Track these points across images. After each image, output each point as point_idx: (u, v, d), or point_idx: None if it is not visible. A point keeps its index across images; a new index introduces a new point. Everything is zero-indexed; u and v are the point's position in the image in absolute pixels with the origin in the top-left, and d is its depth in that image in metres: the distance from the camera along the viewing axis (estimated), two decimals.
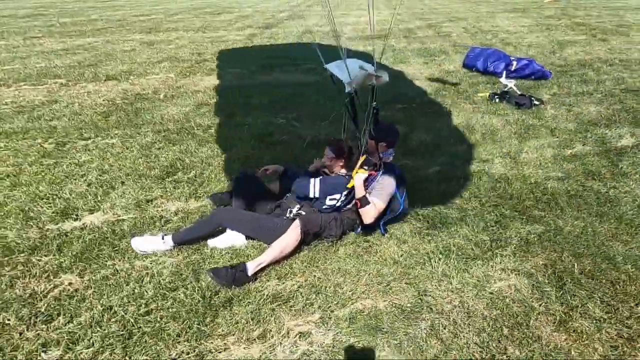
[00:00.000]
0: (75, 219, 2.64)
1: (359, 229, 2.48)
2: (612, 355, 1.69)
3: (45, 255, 2.28)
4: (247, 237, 2.39)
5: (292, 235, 2.21)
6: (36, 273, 2.13)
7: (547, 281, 2.11)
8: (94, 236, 2.45)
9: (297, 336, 1.78)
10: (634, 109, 4.67)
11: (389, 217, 2.47)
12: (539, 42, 8.94)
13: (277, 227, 2.30)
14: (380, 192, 2.39)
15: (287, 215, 2.43)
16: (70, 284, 2.06)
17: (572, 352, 1.70)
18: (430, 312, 1.92)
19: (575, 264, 2.22)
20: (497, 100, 5.08)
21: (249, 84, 5.88)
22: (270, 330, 1.81)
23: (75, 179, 3.14)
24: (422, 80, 6.04)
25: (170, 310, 1.90)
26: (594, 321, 1.85)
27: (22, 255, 2.28)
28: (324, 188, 2.45)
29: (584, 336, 1.77)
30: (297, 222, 2.22)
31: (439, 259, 2.26)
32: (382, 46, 7.41)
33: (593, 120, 4.40)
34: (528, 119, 4.43)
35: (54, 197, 2.87)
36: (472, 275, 2.15)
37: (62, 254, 2.29)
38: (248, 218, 2.40)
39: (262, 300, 1.98)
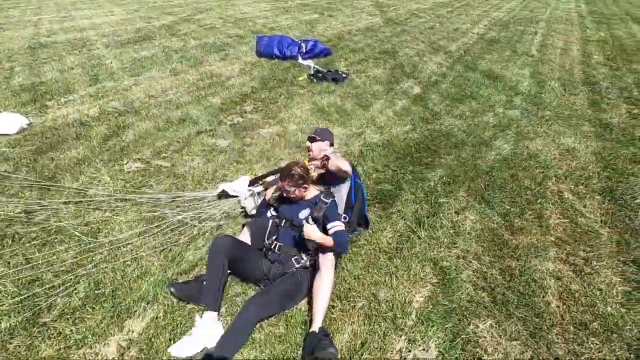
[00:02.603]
0: None
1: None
2: None
3: None
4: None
5: (331, 272, 2.02)
6: None
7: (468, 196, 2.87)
8: None
9: None
10: (402, 65, 6.36)
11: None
12: (292, 23, 10.25)
13: (300, 282, 2.07)
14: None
15: (297, 266, 2.15)
16: None
17: None
18: None
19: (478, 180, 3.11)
20: (315, 80, 5.72)
21: None
22: None
23: None
24: (243, 77, 5.94)
25: None
26: None
27: None
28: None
29: None
30: (330, 258, 2.03)
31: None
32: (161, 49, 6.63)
33: (386, 80, 5.74)
34: (352, 90, 5.29)
35: None
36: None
37: None
38: (267, 299, 1.99)
39: None
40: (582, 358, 1.82)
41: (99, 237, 2.55)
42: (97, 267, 2.30)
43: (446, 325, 1.97)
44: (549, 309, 2.08)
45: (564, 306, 2.10)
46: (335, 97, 5.08)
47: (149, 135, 3.99)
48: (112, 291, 2.14)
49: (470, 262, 2.38)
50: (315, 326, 1.87)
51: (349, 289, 2.18)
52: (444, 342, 1.89)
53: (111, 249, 2.44)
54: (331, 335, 1.87)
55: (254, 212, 2.69)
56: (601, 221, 2.76)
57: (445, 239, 2.57)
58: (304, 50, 6.84)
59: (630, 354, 1.85)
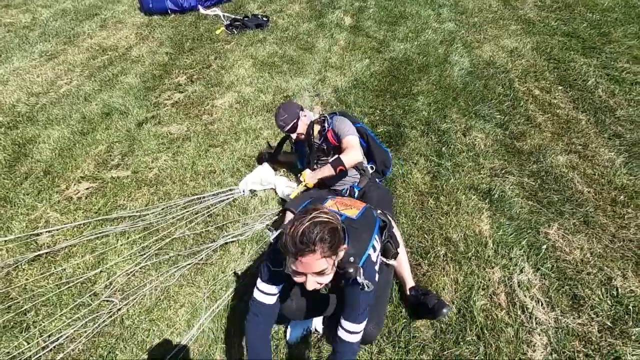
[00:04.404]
0: None
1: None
2: None
3: None
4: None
5: (397, 229, 1.89)
6: None
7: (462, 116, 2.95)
8: None
9: None
10: None
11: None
12: None
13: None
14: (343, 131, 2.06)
15: None
16: None
17: None
18: None
19: None
20: (235, 31, 4.97)
21: None
22: None
23: None
24: (146, 43, 4.82)
25: None
26: None
27: None
28: None
29: None
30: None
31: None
32: None
33: (311, 15, 5.26)
34: (283, 34, 4.75)
35: None
36: None
37: None
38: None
39: None
40: (632, 227, 2.10)
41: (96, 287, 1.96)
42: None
43: (522, 243, 2.06)
44: (584, 196, 2.31)
45: (593, 190, 2.36)
46: (271, 46, 4.50)
47: (72, 144, 3.07)
48: None
49: (505, 177, 2.48)
50: (409, 286, 1.78)
51: (420, 241, 2.11)
52: (529, 257, 1.98)
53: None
54: (429, 288, 1.81)
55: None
56: (574, 108, 3.10)
57: (471, 163, 2.61)
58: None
59: None
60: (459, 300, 1.81)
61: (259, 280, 1.41)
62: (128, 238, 2.25)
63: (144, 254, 2.14)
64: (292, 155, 2.56)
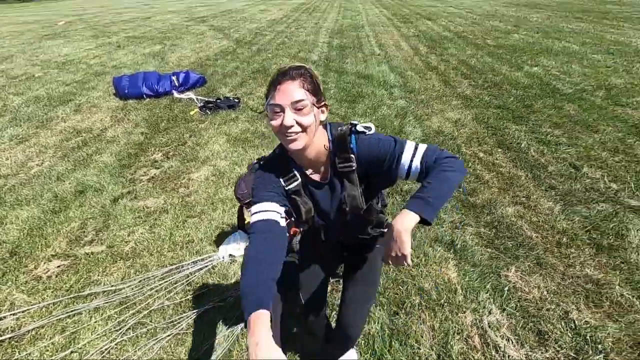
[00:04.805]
0: None
1: None
2: None
3: None
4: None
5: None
6: None
7: None
8: None
9: None
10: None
11: None
12: (137, 59, 9.22)
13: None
14: None
15: None
16: None
17: None
18: None
19: None
20: (209, 112, 5.36)
21: None
22: None
23: None
24: (122, 125, 5.03)
25: None
26: None
27: None
28: None
29: None
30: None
31: None
32: None
33: None
34: (255, 113, 5.19)
35: None
36: None
37: None
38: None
39: None
40: (577, 265, 2.36)
41: None
42: None
43: (487, 286, 2.23)
44: (533, 240, 2.60)
45: (540, 235, 2.65)
46: (243, 123, 4.89)
47: (43, 223, 3.04)
48: None
49: (464, 228, 2.74)
50: None
51: (396, 292, 2.23)
52: (495, 299, 2.15)
53: None
54: (409, 337, 1.90)
55: None
56: (513, 166, 3.56)
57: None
58: (177, 84, 6.31)
59: (588, 244, 2.49)
60: (437, 346, 1.89)
61: (254, 206, 1.19)
62: (102, 314, 2.19)
63: (120, 329, 2.08)
64: None
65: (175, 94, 6.15)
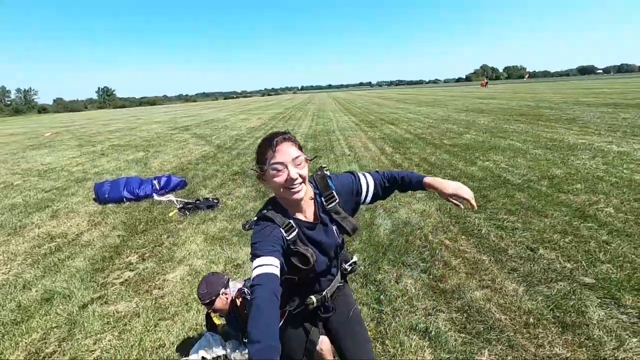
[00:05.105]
0: None
1: None
2: None
3: None
4: None
5: None
6: None
7: (392, 265, 3.46)
8: None
9: None
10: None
11: None
12: (120, 165, 9.65)
13: None
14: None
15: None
16: None
17: None
18: None
19: None
20: (187, 213, 5.54)
21: None
22: None
23: None
24: (98, 228, 5.05)
25: None
26: None
27: None
28: None
29: None
30: None
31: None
32: None
33: (257, 196, 6.16)
34: (232, 212, 5.40)
35: None
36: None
37: None
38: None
39: None
40: (546, 345, 2.43)
41: None
42: None
43: None
44: (502, 322, 2.68)
45: (508, 317, 2.75)
46: (221, 222, 5.05)
47: (0, 337, 2.85)
48: None
49: (437, 314, 2.81)
50: None
51: None
52: None
53: None
54: None
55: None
56: (477, 251, 3.80)
57: (406, 306, 2.94)
58: (158, 187, 6.59)
59: (553, 322, 2.59)
60: None
61: (256, 259, 1.25)
62: None
63: None
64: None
65: (156, 197, 6.37)
